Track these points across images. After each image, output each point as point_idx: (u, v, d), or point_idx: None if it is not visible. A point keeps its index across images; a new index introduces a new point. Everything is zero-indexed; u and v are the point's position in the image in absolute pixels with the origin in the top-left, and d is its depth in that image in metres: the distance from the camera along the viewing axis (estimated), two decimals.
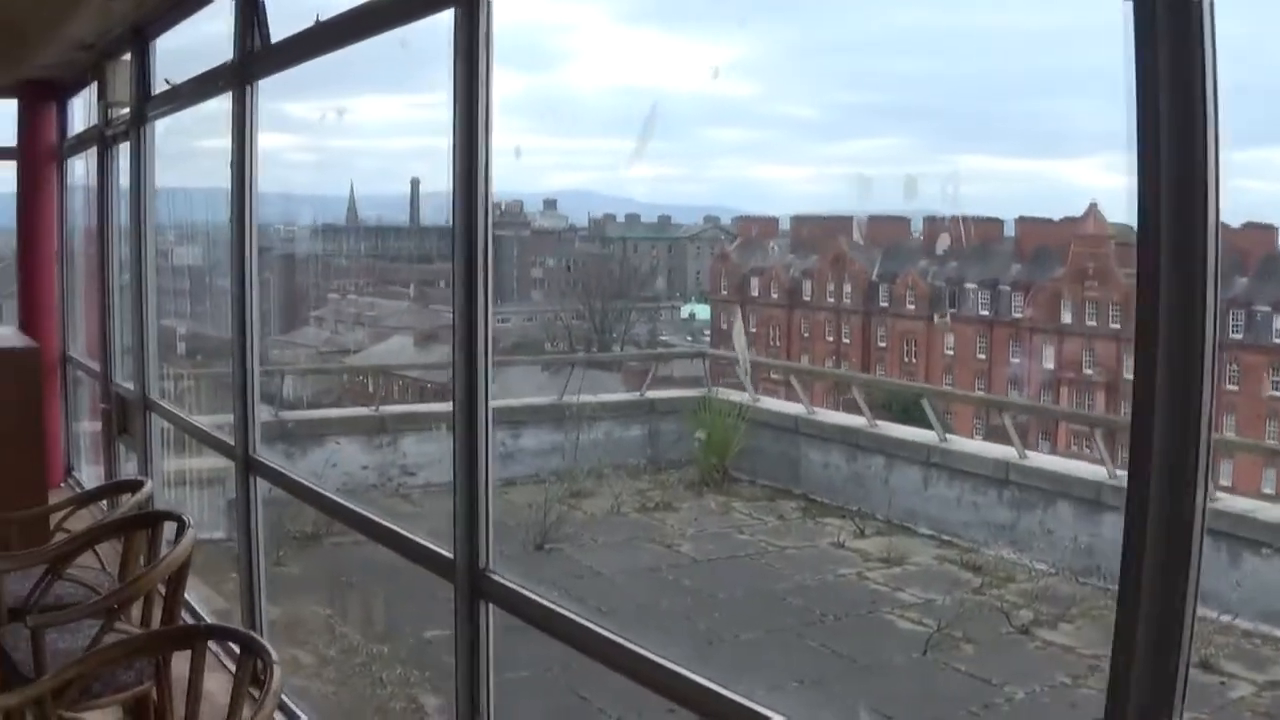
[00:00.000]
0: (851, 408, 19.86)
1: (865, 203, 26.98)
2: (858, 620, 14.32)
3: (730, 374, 22.55)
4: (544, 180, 30.95)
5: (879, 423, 18.75)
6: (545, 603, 4.71)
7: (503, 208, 26.77)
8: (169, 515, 6.38)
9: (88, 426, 12.93)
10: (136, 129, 9.93)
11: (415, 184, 31.90)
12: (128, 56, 10.16)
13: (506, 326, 29.86)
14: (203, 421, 10.05)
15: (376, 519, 6.09)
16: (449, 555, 5.19)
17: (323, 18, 6.56)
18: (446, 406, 18.05)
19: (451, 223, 5.15)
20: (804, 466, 19.26)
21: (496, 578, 4.98)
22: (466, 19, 5.02)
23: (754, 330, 28.43)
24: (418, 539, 5.62)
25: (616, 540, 16.78)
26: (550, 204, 32.37)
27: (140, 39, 9.84)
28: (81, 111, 12.67)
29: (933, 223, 25.01)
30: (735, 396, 20.67)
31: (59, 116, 13.12)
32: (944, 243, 23.31)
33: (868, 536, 17.07)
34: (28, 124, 13.04)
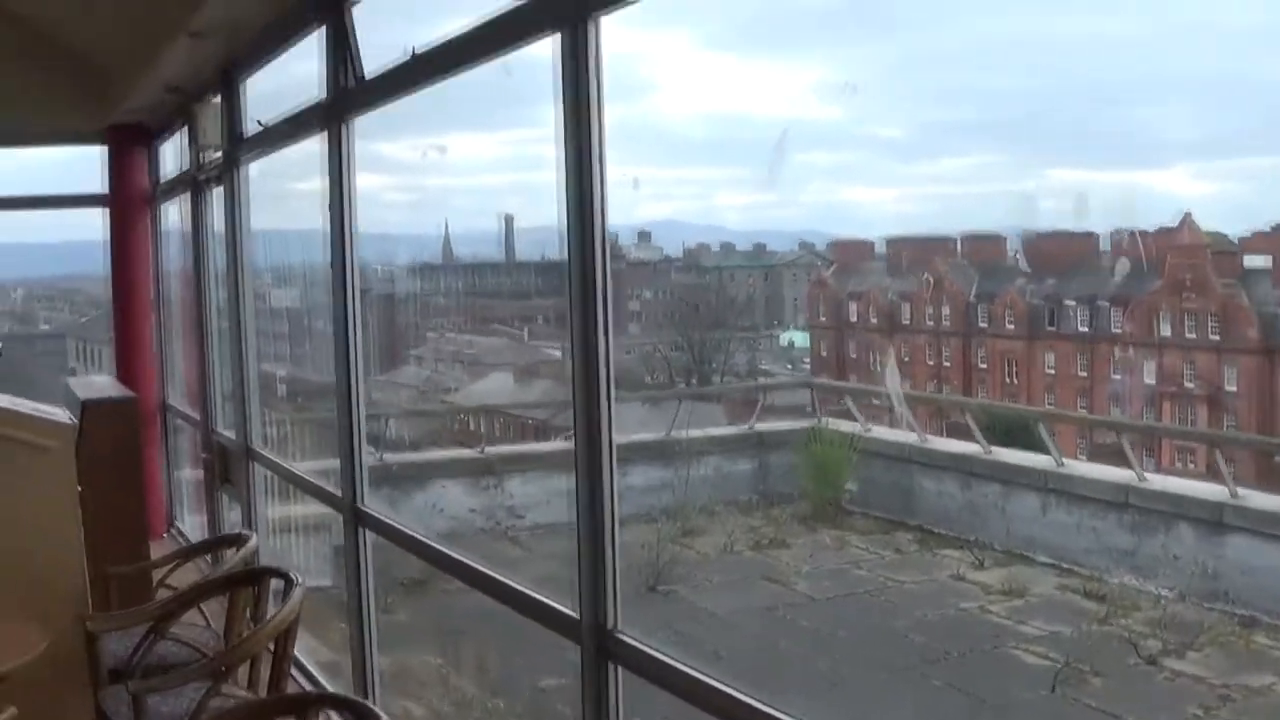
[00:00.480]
0: (957, 432, 19.53)
1: (958, 221, 26.66)
2: (982, 656, 14.02)
3: (833, 402, 22.27)
4: (636, 212, 30.72)
5: (994, 449, 18.37)
6: (681, 667, 4.41)
7: None
8: (276, 572, 6.19)
9: (189, 475, 12.80)
10: (229, 171, 9.78)
11: (509, 220, 31.77)
12: (217, 99, 10.02)
13: None
14: (305, 468, 9.89)
15: (498, 577, 5.78)
16: (573, 615, 4.90)
17: (417, 50, 6.33)
18: (552, 446, 17.92)
19: (566, 255, 4.87)
20: (918, 496, 18.95)
21: (626, 638, 4.69)
22: (571, 44, 4.80)
23: (854, 356, 28.17)
24: (539, 597, 5.31)
25: (731, 580, 16.55)
26: (645, 235, 32.13)
27: (229, 80, 9.72)
28: (172, 155, 12.58)
29: (1031, 240, 24.68)
30: (845, 427, 20.34)
31: (149, 161, 13.03)
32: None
33: (986, 568, 16.74)
34: (118, 169, 12.98)
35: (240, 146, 9.65)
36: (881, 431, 20.38)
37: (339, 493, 7.69)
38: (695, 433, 19.67)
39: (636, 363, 30.66)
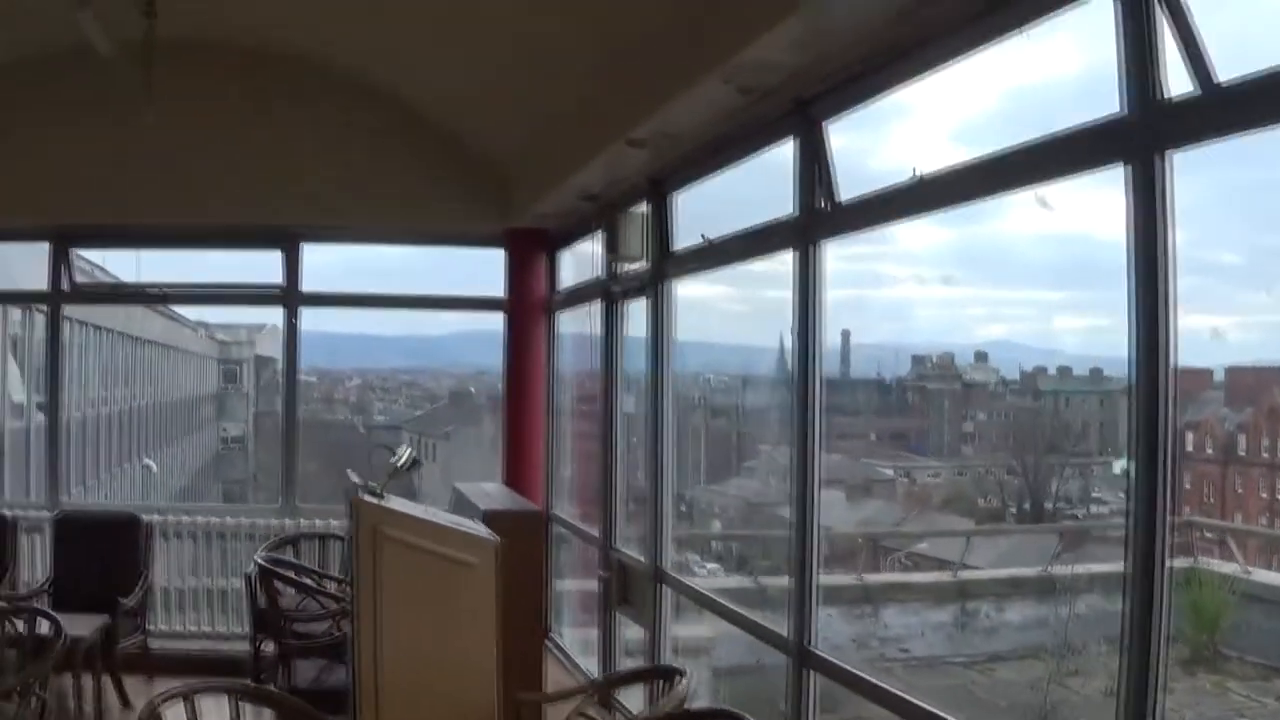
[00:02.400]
0: None
1: None
2: None
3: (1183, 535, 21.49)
4: (974, 332, 30.33)
5: None
6: None
7: (933, 360, 26.63)
8: (729, 715, 5.92)
9: (569, 585, 12.75)
10: (655, 285, 9.68)
11: (846, 336, 31.54)
12: (640, 208, 9.96)
13: (937, 481, 29.63)
14: (708, 586, 9.71)
15: None
16: None
17: (922, 173, 6.07)
18: (930, 577, 17.40)
19: (1132, 381, 4.79)
20: None
21: None
22: (1143, 176, 4.57)
23: (1187, 488, 27.17)
24: None
25: None
26: (981, 356, 31.64)
27: (658, 190, 9.65)
28: (569, 262, 12.65)
29: None
30: (1225, 568, 19.57)
31: (548, 268, 13.12)
32: None
33: None
34: (517, 274, 13.17)
35: (669, 260, 9.58)
36: (1264, 575, 19.55)
37: (784, 632, 7.40)
38: (1081, 569, 19.12)
39: (969, 484, 30.16)
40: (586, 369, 12.80)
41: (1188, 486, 26.89)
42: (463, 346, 31.24)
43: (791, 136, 7.28)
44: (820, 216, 7.08)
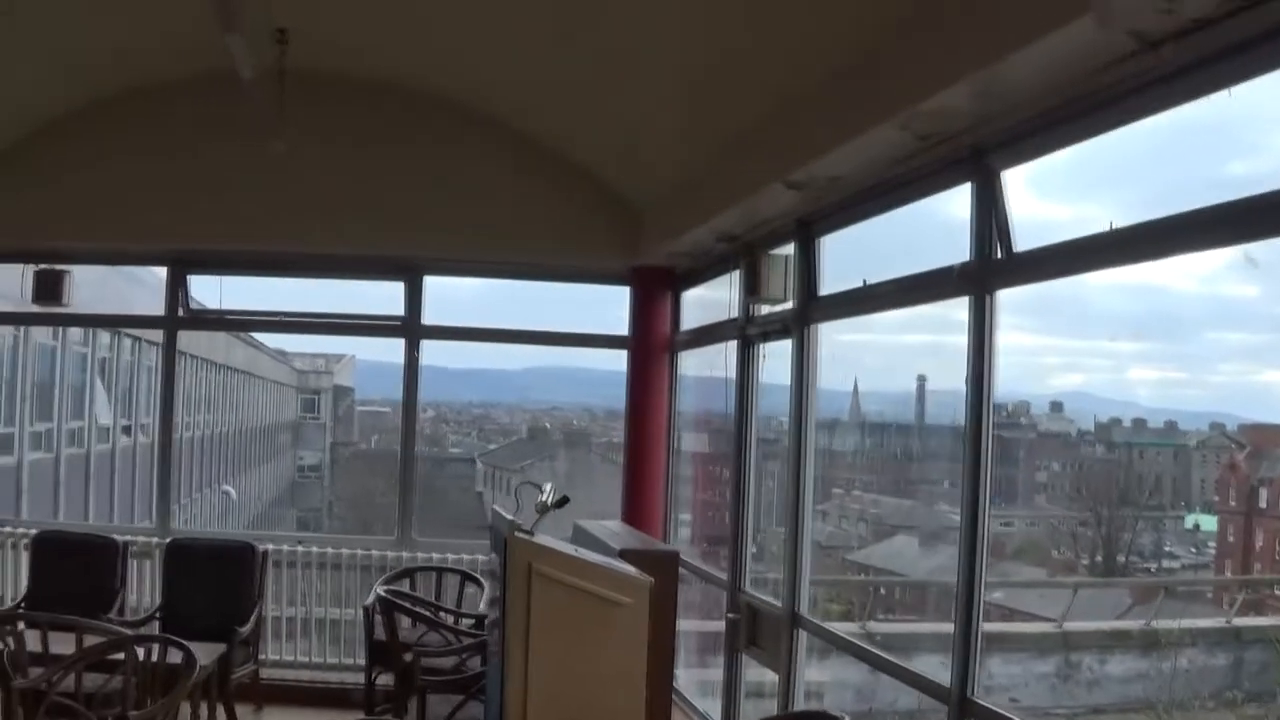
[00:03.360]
0: None
1: None
2: None
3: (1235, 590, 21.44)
4: (1048, 381, 30.27)
5: None
6: None
7: (1009, 408, 26.44)
8: None
9: (682, 625, 12.81)
10: (800, 328, 9.72)
11: (921, 381, 31.53)
12: (784, 250, 10.04)
13: (1010, 530, 29.48)
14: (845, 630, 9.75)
15: None
16: None
17: (1118, 225, 6.09)
18: (1032, 628, 17.40)
19: None
20: None
21: None
22: None
23: (1260, 544, 26.97)
24: None
25: None
26: (1056, 406, 31.50)
27: (806, 233, 9.67)
28: (694, 301, 12.75)
29: None
30: None
31: (673, 306, 13.24)
32: None
33: None
34: (641, 313, 13.26)
35: (815, 303, 9.62)
36: None
37: (945, 683, 7.42)
38: (1187, 624, 19.08)
39: (1042, 534, 30.06)
40: (707, 409, 12.90)
41: (1260, 543, 26.76)
42: (535, 382, 31.40)
43: (968, 183, 7.21)
44: (994, 265, 7.03)
